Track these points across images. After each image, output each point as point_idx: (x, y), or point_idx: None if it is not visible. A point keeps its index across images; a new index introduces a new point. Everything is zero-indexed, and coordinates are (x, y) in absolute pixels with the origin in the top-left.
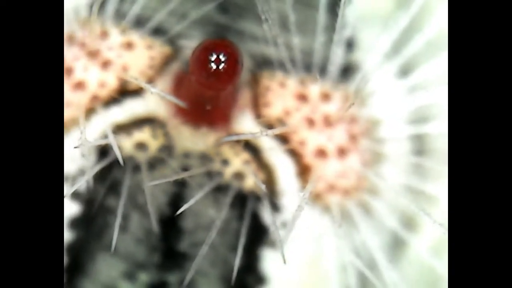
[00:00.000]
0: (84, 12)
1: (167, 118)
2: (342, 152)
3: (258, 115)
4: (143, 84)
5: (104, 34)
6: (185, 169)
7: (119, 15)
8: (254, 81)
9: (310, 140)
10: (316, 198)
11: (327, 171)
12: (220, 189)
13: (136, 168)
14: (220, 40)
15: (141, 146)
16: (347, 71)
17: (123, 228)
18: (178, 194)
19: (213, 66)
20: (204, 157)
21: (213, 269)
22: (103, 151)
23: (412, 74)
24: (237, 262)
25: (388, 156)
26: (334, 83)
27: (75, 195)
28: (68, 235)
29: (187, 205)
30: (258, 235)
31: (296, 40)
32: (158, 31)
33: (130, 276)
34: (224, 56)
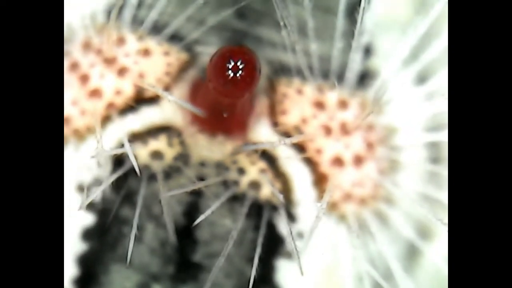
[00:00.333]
0: (101, 18)
1: (183, 126)
2: (358, 160)
3: (275, 123)
4: (159, 91)
5: (120, 41)
6: (201, 178)
7: (136, 22)
8: (271, 88)
9: (327, 148)
10: (332, 207)
11: (343, 179)
12: (236, 199)
13: (152, 177)
14: (238, 47)
15: (156, 154)
16: (365, 77)
17: (138, 238)
18: (193, 203)
19: (231, 73)
20: (220, 166)
21: (228, 280)
22: (119, 160)
23: (430, 80)
24: (253, 273)
25: (404, 164)
26: (352, 90)
27: (90, 205)
28: (82, 246)
29: (204, 215)
30: (274, 246)
31: (314, 47)
32: (175, 38)
33: (144, 287)
34: (242, 63)
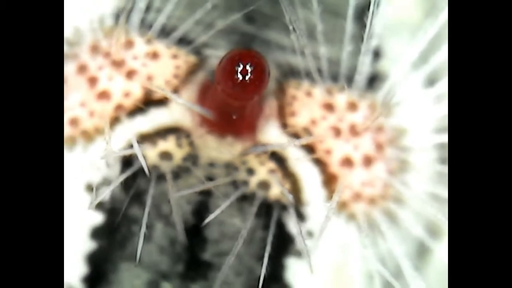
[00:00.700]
0: (109, 22)
1: (192, 128)
2: (368, 160)
3: (284, 125)
4: (168, 93)
5: (129, 44)
6: (210, 178)
7: (145, 25)
8: (280, 91)
9: (336, 149)
10: (342, 206)
11: (353, 179)
12: (245, 198)
13: (161, 177)
14: (247, 50)
15: (165, 155)
16: (374, 80)
17: (147, 237)
18: (202, 203)
19: (240, 76)
20: (230, 166)
21: (238, 279)
22: (128, 160)
23: (439, 83)
24: (263, 271)
25: (414, 164)
26: (361, 92)
27: (99, 205)
28: (91, 245)
29: (213, 215)
30: (284, 244)
31: (323, 50)
32: (183, 41)
33: (153, 286)
34: (251, 66)
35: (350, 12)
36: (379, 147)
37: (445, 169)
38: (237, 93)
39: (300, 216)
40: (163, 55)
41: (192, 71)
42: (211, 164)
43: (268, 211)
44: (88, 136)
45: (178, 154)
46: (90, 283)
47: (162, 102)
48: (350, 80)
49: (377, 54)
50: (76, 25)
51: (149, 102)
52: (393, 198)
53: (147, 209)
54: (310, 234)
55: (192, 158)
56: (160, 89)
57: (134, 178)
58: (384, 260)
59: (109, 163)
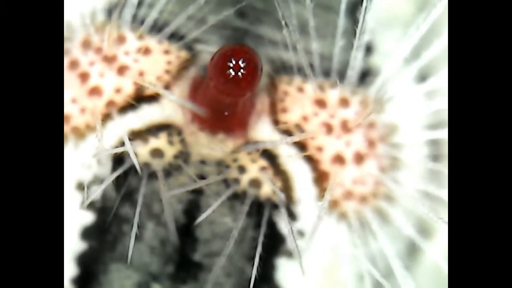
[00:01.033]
0: (101, 17)
1: (184, 125)
2: (359, 158)
3: (276, 121)
4: (159, 89)
5: (120, 39)
6: (201, 176)
7: (137, 20)
8: (272, 86)
9: (328, 146)
10: (333, 205)
11: (344, 177)
12: (236, 197)
13: (152, 175)
14: (239, 46)
15: (157, 152)
16: (366, 75)
17: (138, 237)
18: (193, 202)
19: (232, 72)
20: (221, 164)
21: (228, 280)
22: (119, 158)
23: (431, 78)
24: (254, 272)
25: (405, 161)
26: (353, 88)
27: (90, 204)
28: (81, 245)
29: (205, 215)
30: (274, 244)
31: (315, 45)
32: (175, 36)
33: (143, 287)
34: (243, 62)
35: (343, 7)
36: (371, 143)
37: (436, 166)
38: (229, 89)
39: (291, 215)
40: (155, 50)
41: (184, 67)
42: (203, 162)
43: (259, 210)
44: (79, 133)
45: (170, 151)
46: (80, 284)
47: (153, 98)
48: (342, 75)
49: (369, 49)
50: (68, 20)
51: (141, 98)
52: (384, 196)
53: (138, 209)
54: (301, 233)
55: (184, 155)
56: (151, 85)
57: (125, 176)
58: (374, 260)
59: (101, 161)
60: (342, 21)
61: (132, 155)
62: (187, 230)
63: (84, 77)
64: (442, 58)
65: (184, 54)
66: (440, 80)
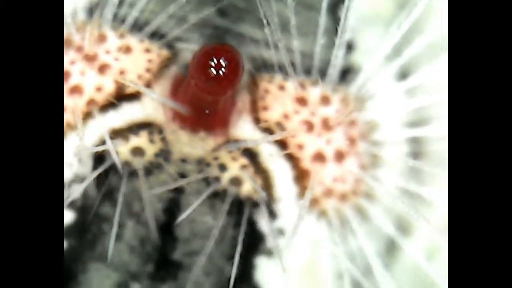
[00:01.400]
0: (82, 16)
1: (165, 123)
2: (340, 155)
3: (257, 119)
4: (140, 88)
5: (101, 38)
6: (182, 174)
7: (117, 19)
8: (253, 84)
9: (309, 144)
10: (313, 203)
11: (324, 175)
12: (217, 195)
13: (132, 174)
14: (221, 45)
15: (137, 151)
16: (347, 73)
17: (117, 236)
18: (174, 200)
19: (214, 71)
20: (201, 162)
21: (207, 279)
22: (100, 156)
23: (412, 76)
24: (234, 271)
25: (385, 159)
26: (334, 86)
27: (70, 203)
28: None
29: (186, 214)
30: (254, 243)
31: (296, 43)
32: (156, 35)
33: (123, 286)
34: (225, 61)
35: (324, 5)
36: (352, 141)
37: (417, 164)
38: (211, 88)
39: (271, 213)
40: (136, 49)
41: (165, 65)
42: (183, 160)
43: (240, 208)
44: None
45: (150, 150)
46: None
47: (134, 96)
48: (323, 73)
49: (350, 47)
50: None
51: (122, 96)
52: (364, 194)
53: (118, 208)
54: (281, 232)
55: (164, 154)
56: (132, 83)
57: (106, 175)
58: (354, 258)
59: (82, 159)
60: (323, 19)
61: (113, 154)
62: (167, 229)
63: (65, 76)
64: (423, 55)
65: (165, 52)
66: (421, 77)
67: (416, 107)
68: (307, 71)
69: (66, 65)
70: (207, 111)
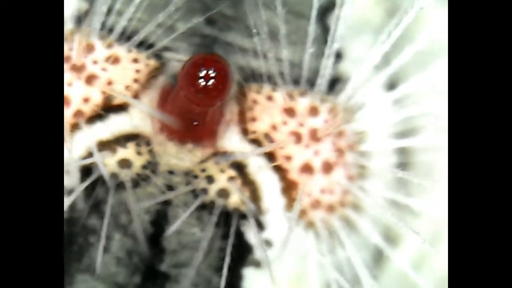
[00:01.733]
0: (70, 25)
1: (152, 134)
2: (328, 167)
3: (245, 130)
4: (128, 99)
5: (89, 48)
6: (169, 186)
7: (105, 28)
8: (241, 94)
9: (296, 155)
10: (301, 214)
11: (312, 186)
12: (204, 207)
13: (120, 185)
14: (210, 55)
15: (125, 163)
16: (335, 82)
17: (104, 248)
18: (161, 212)
19: (203, 82)
20: (189, 174)
21: None
22: (87, 168)
23: (400, 86)
24: (222, 282)
25: (373, 170)
26: (322, 96)
27: None
28: None
29: (174, 226)
30: (242, 254)
31: (285, 53)
32: (144, 44)
33: None
34: (214, 71)
35: (314, 14)
36: (339, 152)
37: (405, 174)
38: (200, 99)
39: (259, 225)
40: (124, 59)
41: (153, 76)
42: (171, 172)
43: (227, 220)
44: None
45: (138, 161)
46: None
47: (122, 107)
48: (311, 83)
49: (338, 56)
50: None
51: (109, 108)
52: (352, 205)
53: (106, 220)
54: (269, 243)
55: (152, 165)
56: (120, 94)
57: (93, 187)
58: (342, 268)
59: (69, 171)
60: (312, 28)
61: (100, 166)
62: (154, 241)
63: None
64: (412, 65)
65: (153, 62)
66: (410, 87)
67: (405, 117)
68: (296, 81)
69: None
70: (195, 123)
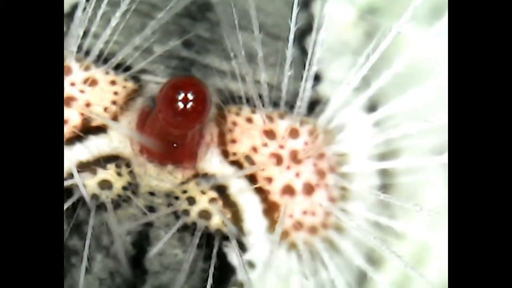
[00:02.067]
0: None
1: (132, 156)
2: (309, 188)
3: (225, 152)
4: (107, 121)
5: (66, 70)
6: (150, 207)
7: (82, 51)
8: (221, 117)
9: (277, 177)
10: (283, 235)
11: (294, 208)
12: (186, 228)
13: (100, 207)
14: (188, 78)
15: (105, 184)
16: (315, 104)
17: (86, 269)
18: (142, 233)
19: (181, 105)
20: (170, 196)
21: None
22: (67, 190)
23: (380, 108)
24: None
25: (355, 192)
26: (302, 118)
27: None
28: None
29: (156, 248)
30: (224, 276)
31: (264, 75)
32: (121, 67)
33: None
34: (192, 94)
35: (291, 37)
36: (321, 174)
37: (387, 197)
38: (178, 122)
39: (241, 246)
40: (101, 81)
41: (131, 98)
42: (152, 193)
43: (209, 241)
44: None
45: (118, 183)
46: None
47: (101, 129)
48: (290, 105)
49: (317, 78)
50: None
51: (88, 129)
52: (334, 226)
53: (88, 241)
54: (251, 264)
55: (132, 187)
56: (98, 116)
57: (74, 208)
58: None
59: None
60: (290, 51)
61: (81, 187)
62: (136, 262)
63: None
64: (391, 87)
65: (130, 84)
66: (390, 109)
67: (385, 139)
68: (275, 103)
69: None
70: (174, 145)
